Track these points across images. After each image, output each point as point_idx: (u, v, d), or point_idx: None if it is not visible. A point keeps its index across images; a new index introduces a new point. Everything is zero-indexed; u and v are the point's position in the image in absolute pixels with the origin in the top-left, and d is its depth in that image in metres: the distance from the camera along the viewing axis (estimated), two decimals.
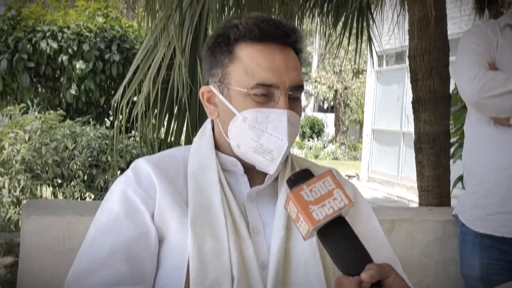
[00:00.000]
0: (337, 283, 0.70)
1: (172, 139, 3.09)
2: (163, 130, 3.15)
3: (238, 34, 0.91)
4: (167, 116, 3.05)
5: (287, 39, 0.92)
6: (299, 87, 0.92)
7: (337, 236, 0.71)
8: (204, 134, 1.00)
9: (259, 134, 0.89)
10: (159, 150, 1.05)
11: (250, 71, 0.89)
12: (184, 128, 3.05)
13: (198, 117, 2.85)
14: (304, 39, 0.97)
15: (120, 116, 2.92)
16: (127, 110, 2.80)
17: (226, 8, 2.86)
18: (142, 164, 0.95)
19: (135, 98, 2.94)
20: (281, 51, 0.91)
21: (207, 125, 1.01)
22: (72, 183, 4.14)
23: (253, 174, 0.95)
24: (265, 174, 0.95)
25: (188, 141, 2.99)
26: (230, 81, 0.91)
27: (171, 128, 3.10)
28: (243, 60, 0.90)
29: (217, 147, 0.98)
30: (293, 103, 0.92)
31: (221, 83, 0.93)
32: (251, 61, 0.89)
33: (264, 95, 0.89)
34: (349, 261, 0.70)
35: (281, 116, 0.88)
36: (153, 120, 2.95)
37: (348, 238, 0.71)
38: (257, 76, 0.89)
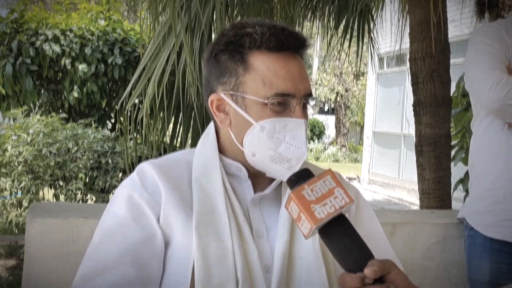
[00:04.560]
0: (340, 280, 0.70)
1: (178, 142, 3.10)
2: (168, 133, 3.16)
3: (253, 44, 0.90)
4: (172, 119, 3.06)
5: (302, 49, 0.93)
6: (310, 95, 0.94)
7: (339, 233, 0.72)
8: (207, 138, 1.00)
9: (277, 143, 0.90)
10: (165, 153, 1.06)
11: (268, 81, 0.89)
12: (190, 131, 3.06)
13: (205, 120, 2.86)
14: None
15: (122, 119, 2.93)
16: (131, 113, 2.81)
17: (229, 11, 2.87)
18: (147, 168, 0.95)
19: (136, 101, 2.95)
20: (294, 60, 0.92)
21: (210, 128, 1.01)
22: (74, 185, 4.16)
23: (257, 179, 0.96)
24: (269, 180, 0.95)
25: (195, 144, 2.99)
26: (245, 91, 0.91)
27: (177, 131, 3.11)
28: (259, 69, 0.90)
29: (221, 151, 0.98)
30: (305, 111, 0.94)
31: (235, 92, 0.92)
32: (267, 71, 0.90)
33: (281, 104, 0.90)
34: (351, 258, 0.71)
35: (299, 126, 0.90)
36: (158, 123, 2.96)
37: (350, 235, 0.72)
38: (275, 85, 0.89)
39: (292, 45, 0.91)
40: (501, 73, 1.49)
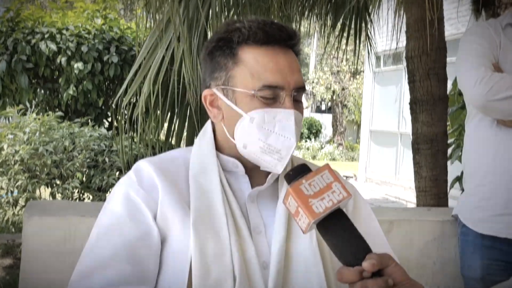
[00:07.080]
0: (338, 273, 0.71)
1: (173, 141, 3.09)
2: (163, 131, 3.15)
3: (241, 38, 0.92)
4: (168, 117, 3.06)
5: (290, 42, 0.94)
6: (302, 88, 0.94)
7: (337, 228, 0.72)
8: (205, 135, 1.01)
9: (266, 134, 0.90)
10: (160, 152, 1.06)
11: (256, 74, 0.91)
12: (185, 130, 3.05)
13: (200, 118, 2.86)
14: (302, 41, 0.99)
15: (119, 117, 2.92)
16: (127, 111, 2.81)
17: (225, 10, 2.87)
18: (144, 166, 0.96)
19: (133, 99, 2.94)
20: (284, 53, 0.93)
21: (207, 127, 1.02)
22: (71, 183, 4.15)
23: (254, 174, 0.97)
24: (266, 174, 0.96)
25: (190, 143, 3.00)
26: (235, 84, 0.93)
27: (172, 130, 3.11)
28: (247, 63, 0.92)
29: (218, 148, 0.99)
30: (297, 104, 0.93)
31: (225, 86, 0.94)
32: (256, 64, 0.91)
33: (270, 96, 0.91)
34: (349, 252, 0.71)
35: (288, 116, 0.90)
36: (153, 121, 2.95)
37: (348, 229, 0.73)
38: (263, 78, 0.90)
39: (278, 38, 0.92)
40: (486, 70, 1.51)
